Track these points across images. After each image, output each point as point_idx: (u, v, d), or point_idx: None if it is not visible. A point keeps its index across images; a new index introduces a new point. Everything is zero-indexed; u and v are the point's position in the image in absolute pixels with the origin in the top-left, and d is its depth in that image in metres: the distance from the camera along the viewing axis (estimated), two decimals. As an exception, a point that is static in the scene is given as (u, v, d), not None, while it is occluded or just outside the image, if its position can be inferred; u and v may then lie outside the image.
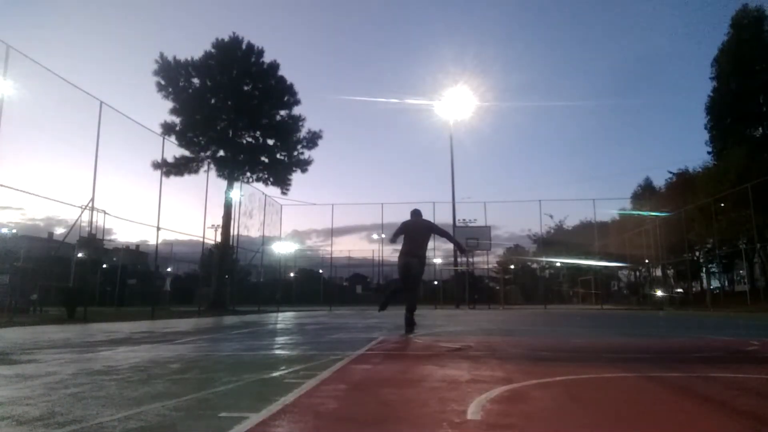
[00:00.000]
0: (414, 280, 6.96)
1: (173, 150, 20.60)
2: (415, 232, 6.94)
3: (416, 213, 7.22)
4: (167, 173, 19.87)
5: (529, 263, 42.92)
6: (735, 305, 20.92)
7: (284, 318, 13.62)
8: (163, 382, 2.75)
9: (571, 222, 42.03)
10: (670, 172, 32.87)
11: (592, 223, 31.66)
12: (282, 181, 23.83)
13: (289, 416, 1.93)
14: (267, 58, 23.09)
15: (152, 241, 15.61)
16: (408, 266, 6.79)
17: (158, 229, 14.41)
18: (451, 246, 29.28)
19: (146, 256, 36.44)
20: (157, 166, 18.18)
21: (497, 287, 37.52)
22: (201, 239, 18.29)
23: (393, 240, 7.19)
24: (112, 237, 27.52)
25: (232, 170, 22.15)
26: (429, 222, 7.46)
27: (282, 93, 23.47)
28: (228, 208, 21.93)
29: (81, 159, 12.37)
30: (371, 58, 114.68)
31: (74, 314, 11.54)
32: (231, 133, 22.75)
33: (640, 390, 2.54)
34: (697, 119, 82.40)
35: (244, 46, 22.71)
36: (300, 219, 77.29)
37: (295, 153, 23.82)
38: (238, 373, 3.07)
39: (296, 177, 24.22)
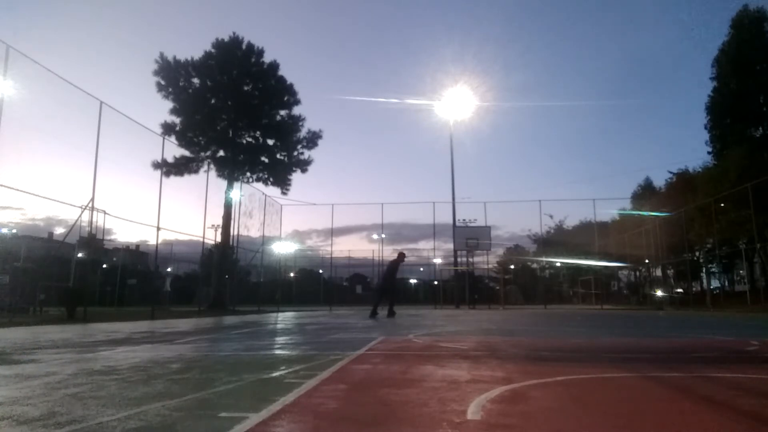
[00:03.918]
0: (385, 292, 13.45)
1: (173, 150, 20.63)
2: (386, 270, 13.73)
3: (399, 256, 13.42)
4: (167, 173, 19.89)
5: (529, 263, 42.91)
6: (735, 305, 20.92)
7: (284, 318, 13.62)
8: (163, 382, 2.75)
9: (571, 222, 42.10)
10: (670, 172, 32.89)
11: (592, 223, 31.67)
12: (282, 181, 23.84)
13: (289, 416, 1.93)
14: (267, 58, 23.16)
15: (152, 241, 15.62)
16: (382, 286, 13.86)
17: (158, 229, 14.41)
18: (451, 246, 29.62)
19: (146, 256, 36.44)
20: (157, 166, 18.19)
21: (497, 287, 37.55)
22: (201, 239, 18.29)
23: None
24: (112, 237, 27.46)
25: (232, 170, 22.16)
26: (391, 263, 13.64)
27: (282, 93, 23.48)
28: (228, 208, 21.94)
29: (81, 159, 12.37)
30: (371, 58, 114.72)
31: (74, 314, 11.54)
32: (231, 133, 22.77)
33: (640, 390, 2.54)
34: (697, 119, 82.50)
35: (244, 46, 22.73)
36: (300, 219, 77.26)
37: (295, 153, 23.83)
38: (238, 373, 3.07)
39: (296, 177, 24.28)
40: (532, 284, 41.48)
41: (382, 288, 13.68)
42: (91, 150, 12.00)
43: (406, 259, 13.71)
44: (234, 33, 22.72)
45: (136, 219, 14.50)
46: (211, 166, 20.70)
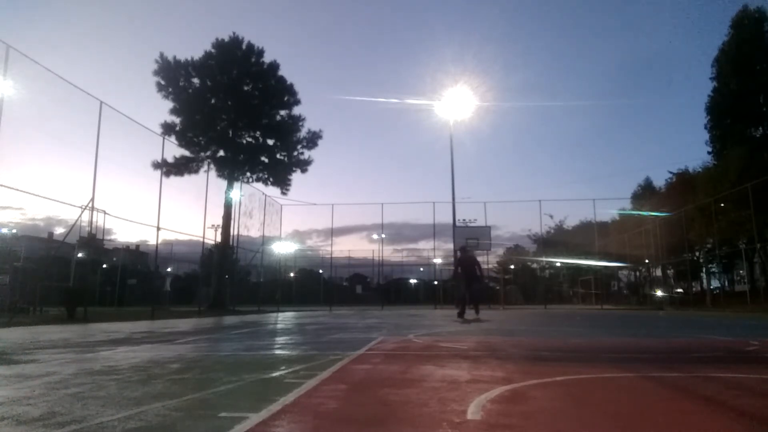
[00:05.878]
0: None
1: (173, 150, 20.63)
2: (467, 263, 12.10)
3: (464, 249, 13.16)
4: (167, 173, 19.87)
5: (529, 263, 42.86)
6: (735, 305, 20.91)
7: (284, 318, 13.62)
8: (163, 382, 2.75)
9: (571, 222, 42.01)
10: (670, 172, 32.84)
11: (592, 223, 31.61)
12: (282, 181, 23.83)
13: (289, 416, 1.93)
14: (267, 58, 23.12)
15: (152, 241, 15.64)
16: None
17: (158, 229, 14.42)
18: (451, 246, 29.55)
19: (146, 256, 36.41)
20: (157, 166, 18.19)
21: (497, 287, 37.50)
22: (201, 239, 18.30)
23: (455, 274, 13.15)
24: (112, 237, 27.47)
25: (232, 170, 22.15)
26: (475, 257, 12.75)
27: (282, 93, 23.47)
28: (228, 208, 21.93)
29: (81, 159, 12.38)
30: (371, 58, 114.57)
31: (74, 314, 11.54)
32: (231, 133, 22.75)
33: (640, 390, 2.54)
34: (697, 119, 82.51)
35: (244, 46, 22.71)
36: (300, 219, 77.04)
37: (295, 153, 23.82)
38: (238, 373, 3.07)
39: (296, 177, 24.25)
40: (532, 284, 41.45)
41: (474, 286, 12.29)
42: (91, 150, 12.01)
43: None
44: (234, 33, 22.72)
45: (136, 219, 14.54)
46: (211, 166, 20.71)
